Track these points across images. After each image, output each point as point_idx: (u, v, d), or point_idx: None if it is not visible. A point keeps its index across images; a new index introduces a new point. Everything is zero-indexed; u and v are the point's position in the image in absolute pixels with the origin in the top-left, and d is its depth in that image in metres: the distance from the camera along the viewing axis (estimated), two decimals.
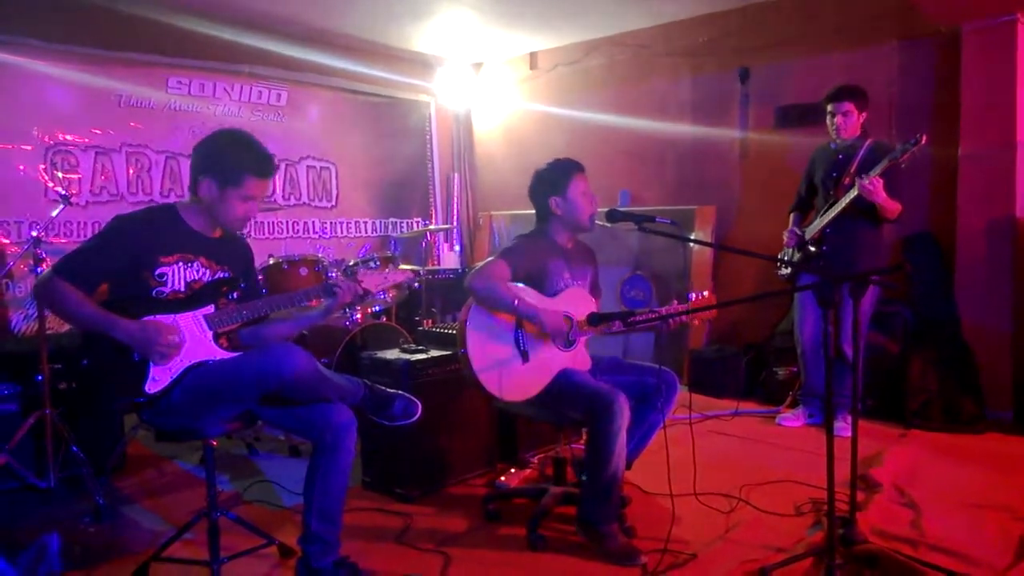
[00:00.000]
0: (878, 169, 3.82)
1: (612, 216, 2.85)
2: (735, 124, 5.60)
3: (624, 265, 5.99)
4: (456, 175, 7.38)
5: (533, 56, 6.83)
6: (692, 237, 5.55)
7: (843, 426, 4.00)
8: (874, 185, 3.80)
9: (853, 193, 3.91)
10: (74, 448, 3.33)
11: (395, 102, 6.91)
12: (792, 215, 4.46)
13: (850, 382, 4.11)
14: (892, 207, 3.90)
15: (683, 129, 5.88)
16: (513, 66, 7.01)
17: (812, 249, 4.18)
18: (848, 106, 4.08)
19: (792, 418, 4.46)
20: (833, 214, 4.06)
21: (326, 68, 6.19)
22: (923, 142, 3.70)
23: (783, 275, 4.43)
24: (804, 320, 4.35)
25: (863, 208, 3.94)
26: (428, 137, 7.22)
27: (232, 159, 2.46)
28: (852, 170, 4.03)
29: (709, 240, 5.62)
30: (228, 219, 2.51)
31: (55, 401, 3.38)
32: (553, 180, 3.03)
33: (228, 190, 2.45)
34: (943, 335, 4.54)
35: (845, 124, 4.10)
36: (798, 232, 4.28)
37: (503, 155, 7.16)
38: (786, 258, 4.29)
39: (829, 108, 4.16)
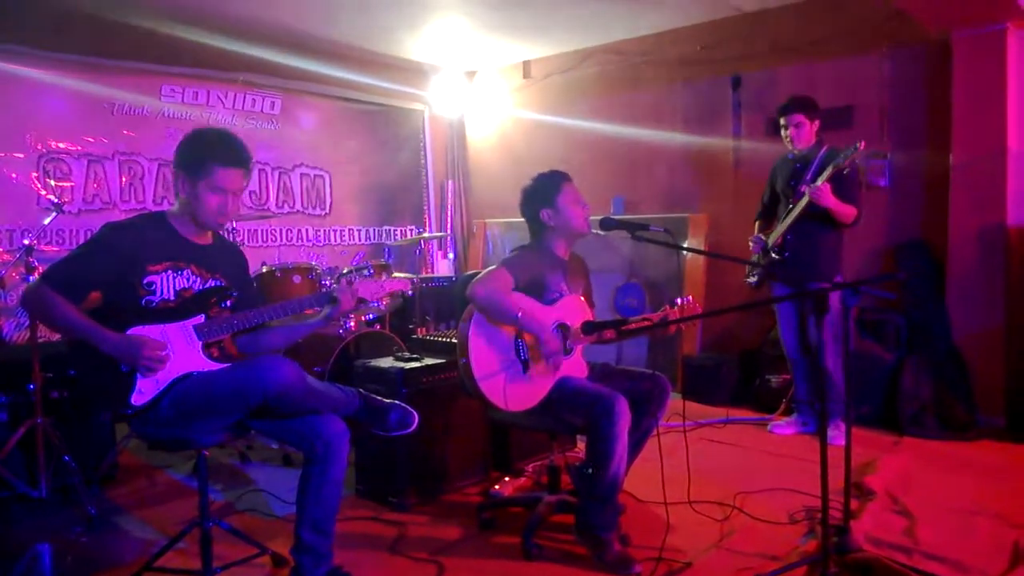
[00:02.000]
0: (824, 176, 3.92)
1: (606, 224, 2.86)
2: (728, 132, 5.63)
3: (618, 273, 6.00)
4: (450, 183, 7.39)
5: (526, 64, 6.85)
6: (685, 245, 5.56)
7: (836, 434, 4.02)
8: (822, 191, 3.90)
9: (804, 200, 4.00)
10: (66, 457, 3.30)
11: (389, 110, 6.92)
12: (757, 223, 4.54)
13: (839, 390, 4.12)
14: (845, 211, 3.98)
15: (676, 137, 5.90)
16: (506, 74, 7.02)
17: (775, 256, 4.23)
18: (799, 117, 4.15)
19: (784, 426, 4.46)
20: (789, 221, 4.14)
21: (320, 76, 6.18)
22: (862, 147, 3.84)
23: (751, 282, 4.48)
24: (783, 329, 4.40)
25: (819, 214, 4.02)
26: (422, 145, 7.23)
27: (199, 151, 2.45)
28: (808, 178, 4.09)
29: (702, 248, 5.64)
30: (204, 213, 2.47)
31: (46, 410, 3.36)
32: (541, 193, 3.03)
33: (199, 183, 2.43)
34: (935, 342, 4.56)
35: (798, 135, 4.18)
36: (761, 239, 4.35)
37: (497, 163, 7.17)
38: (754, 265, 4.38)
39: (781, 121, 4.23)
